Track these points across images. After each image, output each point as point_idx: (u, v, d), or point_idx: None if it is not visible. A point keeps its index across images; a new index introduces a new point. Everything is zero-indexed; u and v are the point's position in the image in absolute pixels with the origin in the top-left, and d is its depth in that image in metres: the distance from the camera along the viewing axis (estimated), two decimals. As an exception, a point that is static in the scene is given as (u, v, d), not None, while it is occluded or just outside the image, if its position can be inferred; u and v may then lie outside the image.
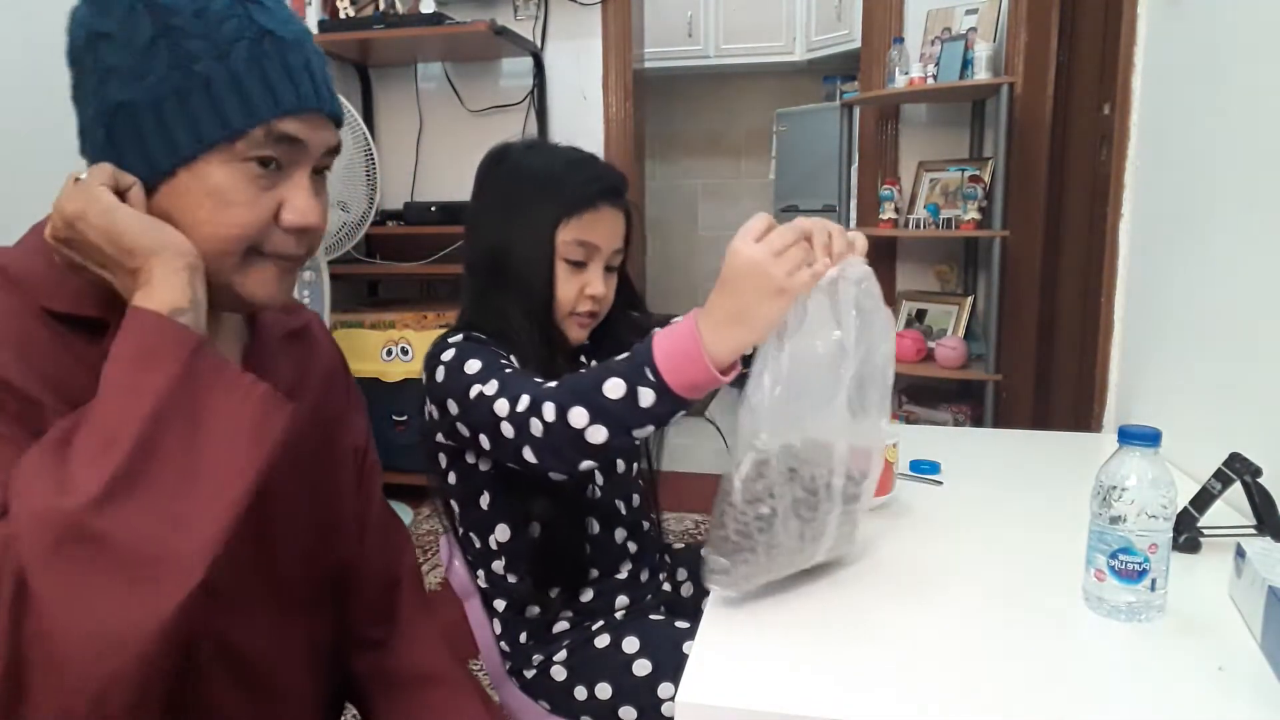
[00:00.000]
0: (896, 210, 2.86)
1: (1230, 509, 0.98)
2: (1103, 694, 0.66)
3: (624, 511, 1.10)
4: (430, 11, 2.77)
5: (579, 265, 1.01)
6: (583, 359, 1.13)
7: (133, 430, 0.54)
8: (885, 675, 0.69)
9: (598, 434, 0.80)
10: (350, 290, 3.20)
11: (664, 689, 0.97)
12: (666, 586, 1.19)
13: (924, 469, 1.20)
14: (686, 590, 1.22)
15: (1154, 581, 0.75)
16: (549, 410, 0.82)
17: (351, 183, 2.46)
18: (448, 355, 0.95)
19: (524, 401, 0.84)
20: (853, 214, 3.12)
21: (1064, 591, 0.82)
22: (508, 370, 0.91)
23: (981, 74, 2.59)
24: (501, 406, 0.86)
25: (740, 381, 1.08)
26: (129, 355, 0.58)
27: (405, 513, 2.74)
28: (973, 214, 2.66)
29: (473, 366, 0.92)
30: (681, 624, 1.05)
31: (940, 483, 1.17)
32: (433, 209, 2.92)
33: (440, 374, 0.95)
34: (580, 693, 1.01)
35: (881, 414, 0.83)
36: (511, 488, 1.02)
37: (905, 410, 3.00)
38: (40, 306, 0.62)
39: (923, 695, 0.66)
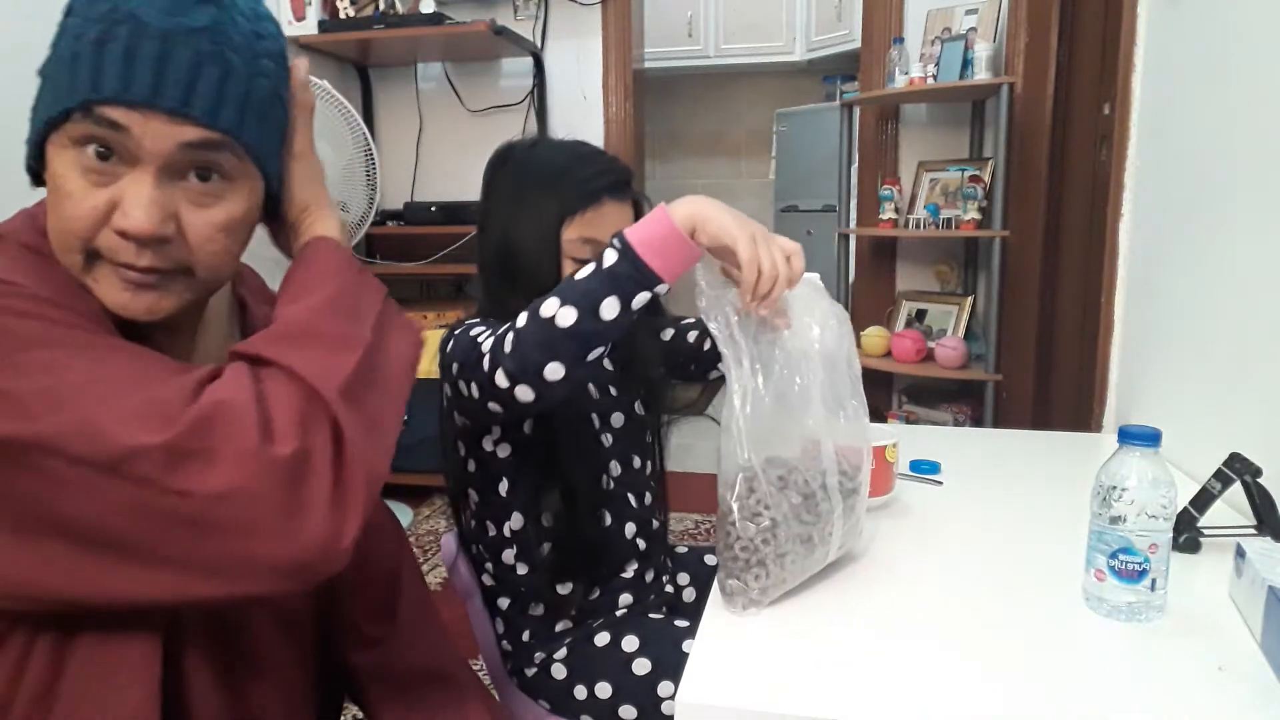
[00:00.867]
0: (896, 210, 2.86)
1: (1230, 509, 0.98)
2: (1103, 694, 0.67)
3: (635, 506, 1.11)
4: (430, 11, 2.77)
5: (581, 263, 1.01)
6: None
7: (364, 339, 0.65)
8: (885, 675, 0.69)
9: (567, 316, 0.81)
10: (350, 290, 3.20)
11: (664, 688, 0.98)
12: (669, 589, 1.19)
13: (924, 469, 1.20)
14: (689, 595, 1.22)
15: (1154, 581, 0.75)
16: (521, 319, 0.84)
17: (351, 183, 2.46)
18: (459, 329, 0.96)
19: (503, 329, 0.86)
20: (853, 214, 3.12)
21: (1064, 591, 0.82)
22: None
23: (981, 74, 2.59)
24: (487, 342, 0.87)
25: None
26: (354, 270, 0.69)
27: (405, 513, 2.74)
28: (973, 214, 2.66)
29: (477, 329, 0.94)
30: (681, 623, 1.05)
31: (940, 483, 1.17)
32: (433, 209, 2.92)
33: (451, 344, 0.96)
34: (580, 692, 1.01)
35: (859, 406, 0.85)
36: (530, 474, 1.03)
37: (905, 410, 3.00)
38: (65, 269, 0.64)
39: (923, 695, 0.66)
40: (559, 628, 1.06)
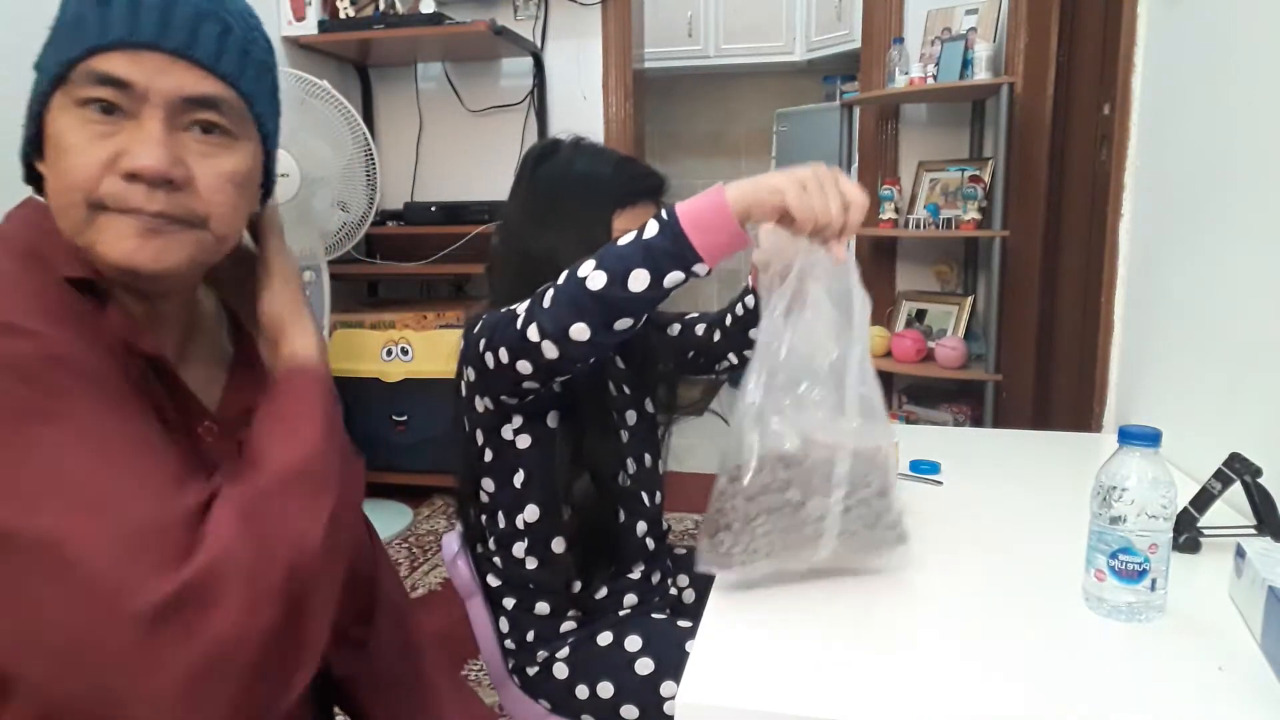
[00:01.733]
0: (896, 210, 2.86)
1: (1230, 509, 0.98)
2: (1103, 694, 0.67)
3: (647, 505, 1.11)
4: (430, 11, 2.77)
5: None
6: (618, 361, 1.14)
7: (334, 484, 0.64)
8: (885, 675, 0.69)
9: (597, 279, 0.81)
10: (350, 290, 3.20)
11: (666, 688, 0.98)
12: (672, 591, 1.20)
13: (924, 469, 1.20)
14: (689, 597, 1.22)
15: (1154, 581, 0.75)
16: (562, 276, 0.84)
17: (351, 183, 2.46)
18: (488, 313, 0.97)
19: (545, 286, 0.87)
20: (853, 214, 3.12)
21: (1064, 591, 0.82)
22: None
23: (981, 74, 2.59)
24: (526, 305, 0.88)
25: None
26: (333, 404, 0.68)
27: (405, 513, 2.74)
28: (973, 214, 2.66)
29: (505, 309, 0.94)
30: (684, 623, 1.05)
31: (940, 483, 1.17)
32: (433, 209, 2.92)
33: (480, 323, 0.96)
34: (582, 691, 1.01)
35: (875, 410, 0.85)
36: (548, 466, 1.03)
37: (905, 410, 3.00)
38: (61, 277, 0.62)
39: (922, 695, 0.67)
40: (563, 627, 1.06)
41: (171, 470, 0.58)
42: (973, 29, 2.67)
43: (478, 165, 3.19)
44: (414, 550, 2.50)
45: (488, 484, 1.07)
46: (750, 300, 1.13)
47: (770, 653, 0.73)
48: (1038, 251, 2.60)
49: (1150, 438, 0.75)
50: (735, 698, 0.67)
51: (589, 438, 1.03)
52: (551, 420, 1.03)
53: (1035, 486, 1.18)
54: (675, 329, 1.21)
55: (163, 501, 0.55)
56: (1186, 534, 0.92)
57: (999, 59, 2.68)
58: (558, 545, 1.05)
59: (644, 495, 1.11)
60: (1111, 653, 0.73)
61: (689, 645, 0.97)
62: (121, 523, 0.53)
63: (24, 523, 0.51)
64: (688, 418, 1.25)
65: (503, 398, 0.99)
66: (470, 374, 1.00)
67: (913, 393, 3.04)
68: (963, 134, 2.95)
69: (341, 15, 2.89)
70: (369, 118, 3.26)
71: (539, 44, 3.09)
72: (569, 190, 1.04)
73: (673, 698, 0.95)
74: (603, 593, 1.07)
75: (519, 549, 1.06)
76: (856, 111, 3.07)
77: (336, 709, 0.88)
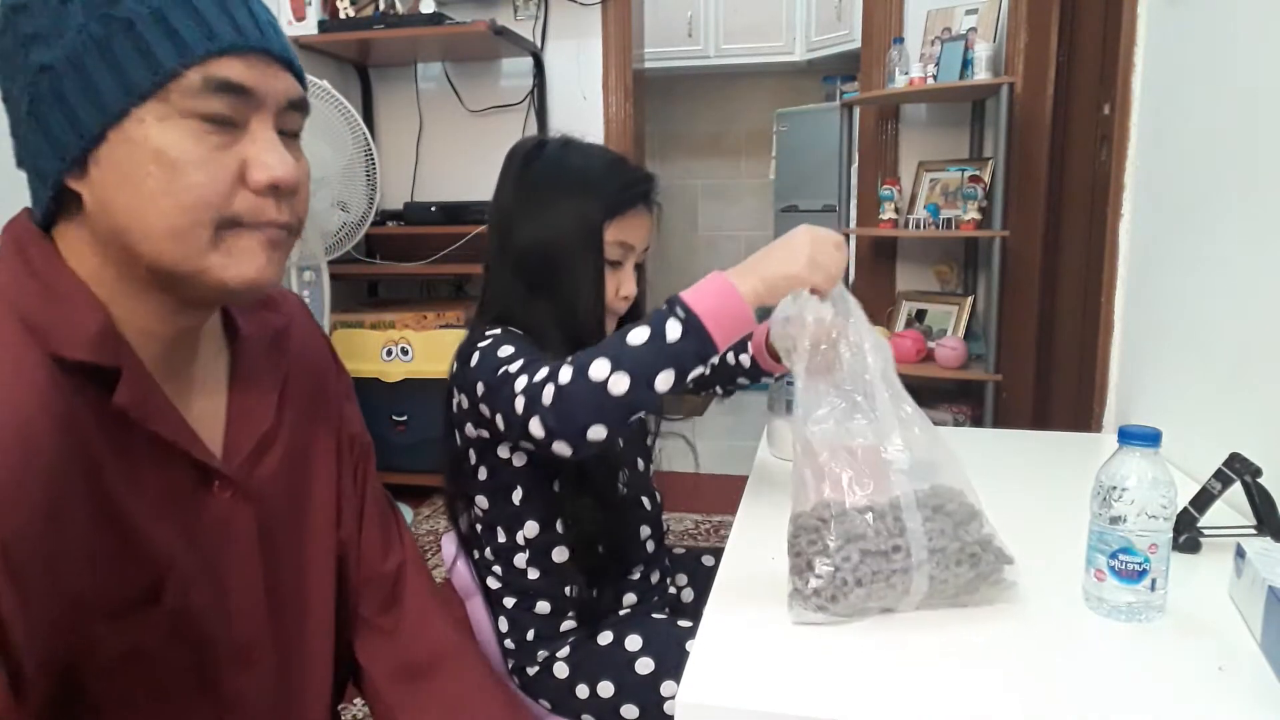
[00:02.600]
0: (896, 210, 2.86)
1: (1230, 509, 0.98)
2: (1103, 694, 0.67)
3: (647, 509, 1.11)
4: (430, 11, 2.77)
5: (615, 265, 1.02)
6: None
7: None
8: (885, 675, 0.69)
9: (620, 383, 0.79)
10: (350, 290, 3.20)
11: (666, 687, 0.98)
12: (671, 590, 1.20)
13: (924, 469, 1.20)
14: (687, 596, 1.22)
15: (1154, 581, 0.75)
16: (565, 374, 0.81)
17: (351, 183, 2.46)
18: (485, 342, 0.95)
19: (541, 373, 0.84)
20: (853, 214, 3.12)
21: (1064, 591, 0.82)
22: (536, 359, 0.91)
23: (981, 74, 2.59)
24: (520, 381, 0.86)
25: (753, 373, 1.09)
26: None
27: (405, 512, 2.74)
28: (973, 214, 2.66)
29: (505, 350, 0.92)
30: (684, 623, 1.05)
31: (940, 483, 1.17)
32: (433, 209, 2.92)
33: (475, 359, 0.94)
34: (582, 691, 1.01)
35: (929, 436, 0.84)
36: (549, 484, 1.03)
37: (905, 410, 3.00)
38: (49, 354, 0.56)
39: (923, 695, 0.66)
40: (563, 627, 1.06)
41: None
42: (973, 29, 2.67)
43: (478, 165, 3.19)
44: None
45: (483, 501, 1.06)
46: (746, 360, 1.16)
47: (770, 653, 0.73)
48: (1038, 251, 2.60)
49: (1150, 438, 0.75)
50: (735, 698, 0.67)
51: (589, 461, 1.01)
52: None
53: (1035, 486, 1.18)
54: None
55: None
56: (1186, 534, 0.92)
57: (999, 59, 2.68)
58: (559, 555, 1.05)
59: (645, 500, 1.11)
60: (1111, 653, 0.73)
61: (689, 645, 0.97)
62: None
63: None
64: (684, 421, 1.25)
65: (501, 436, 0.99)
66: (463, 401, 0.98)
67: (913, 393, 3.01)
68: (963, 134, 2.95)
69: (341, 15, 2.89)
70: (369, 118, 3.26)
71: (539, 44, 3.09)
72: (561, 186, 1.02)
73: (673, 697, 0.95)
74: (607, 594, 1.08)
75: (520, 560, 1.06)
76: (856, 111, 3.07)
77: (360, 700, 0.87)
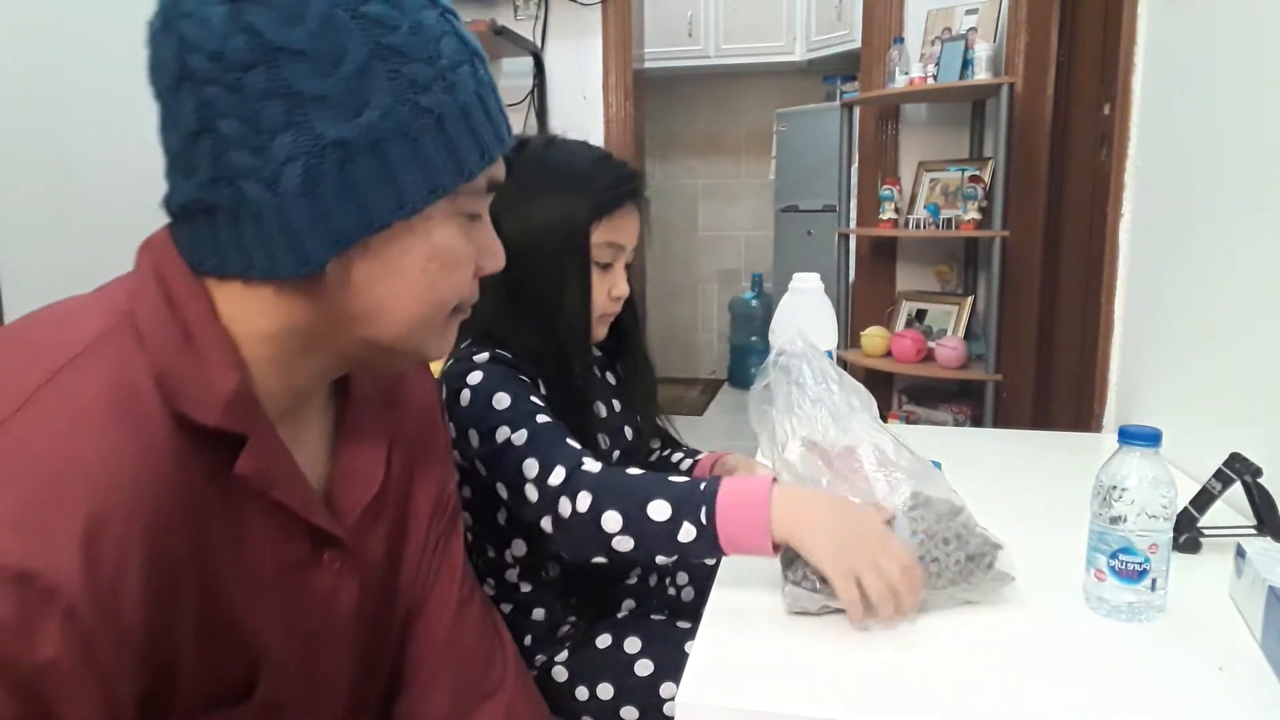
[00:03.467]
0: (896, 210, 2.86)
1: (1230, 509, 0.98)
2: (1103, 694, 0.67)
3: None
4: (430, 12, 2.77)
5: (606, 267, 1.00)
6: (600, 373, 1.13)
7: None
8: (885, 675, 0.69)
9: (624, 544, 0.81)
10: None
11: (666, 689, 0.98)
12: (670, 590, 1.20)
13: (924, 469, 1.20)
14: (687, 595, 1.22)
15: (1154, 581, 0.75)
16: (583, 500, 0.82)
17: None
18: (474, 378, 0.92)
19: (558, 475, 0.83)
20: (853, 214, 3.12)
21: (1064, 591, 0.82)
22: (539, 418, 0.89)
23: (981, 74, 2.59)
24: (530, 467, 0.85)
25: None
26: None
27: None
28: (973, 214, 2.66)
29: (501, 401, 0.90)
30: (683, 624, 1.05)
31: (940, 483, 1.17)
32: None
33: (465, 398, 0.92)
34: (581, 693, 1.01)
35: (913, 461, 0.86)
36: None
37: (905, 410, 3.00)
38: (175, 412, 0.50)
39: (922, 695, 0.66)
40: (560, 631, 1.06)
41: None
42: (973, 29, 2.67)
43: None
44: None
45: (468, 517, 1.04)
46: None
47: (770, 653, 0.73)
48: (1038, 251, 2.60)
49: (1150, 438, 0.75)
50: (735, 698, 0.67)
51: None
52: None
53: (1035, 486, 1.18)
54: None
55: None
56: (1186, 534, 0.92)
57: (999, 59, 2.68)
58: (551, 570, 1.04)
59: None
60: (1111, 653, 0.73)
61: (688, 646, 0.97)
62: None
63: None
64: (682, 417, 1.25)
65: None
66: (451, 429, 0.95)
67: (913, 393, 3.03)
68: (963, 134, 2.95)
69: (341, 15, 2.89)
70: (369, 118, 3.25)
71: (539, 44, 3.09)
72: (544, 186, 0.97)
73: (672, 699, 0.95)
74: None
75: (511, 575, 1.05)
76: (856, 111, 3.07)
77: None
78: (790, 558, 0.79)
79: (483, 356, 0.95)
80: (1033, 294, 2.63)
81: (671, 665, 0.98)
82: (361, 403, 0.68)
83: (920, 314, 2.98)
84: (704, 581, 1.19)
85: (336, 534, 0.62)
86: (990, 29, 2.69)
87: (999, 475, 1.24)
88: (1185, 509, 0.92)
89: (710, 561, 0.84)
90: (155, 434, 0.49)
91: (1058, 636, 0.76)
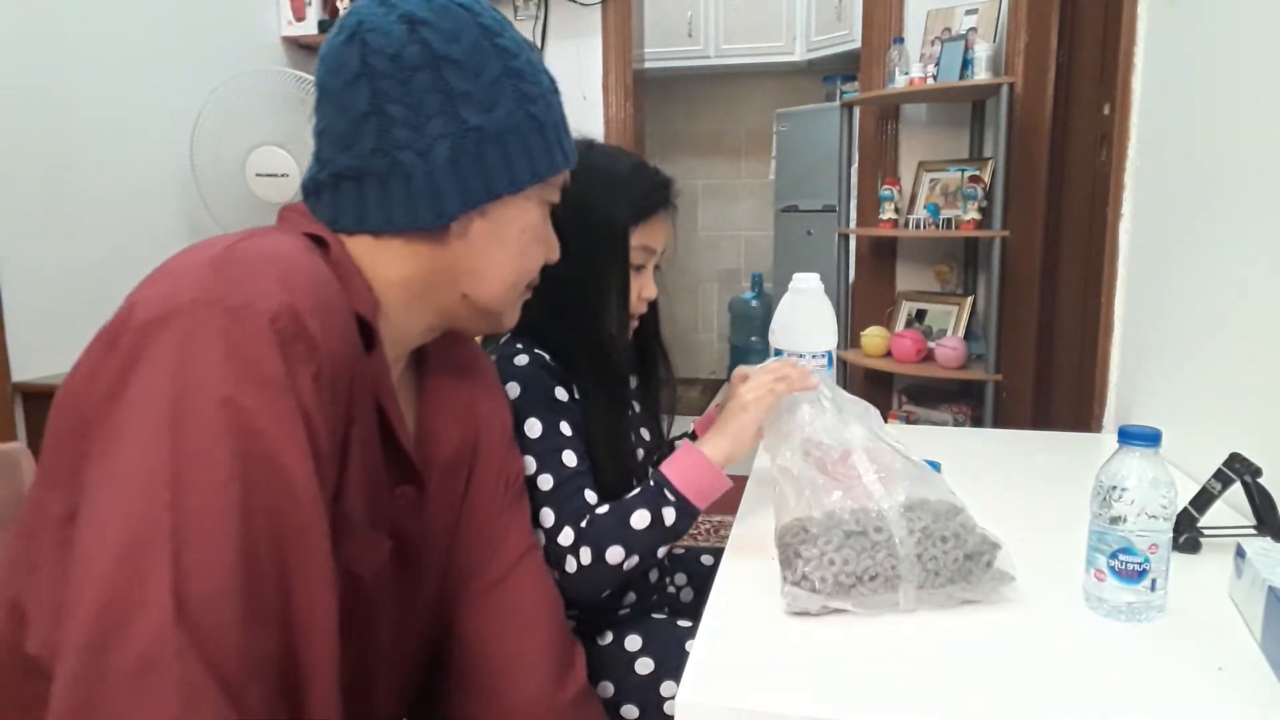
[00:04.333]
0: (896, 210, 2.86)
1: (1230, 509, 0.98)
2: (1103, 694, 0.67)
3: None
4: (430, 11, 2.77)
5: (638, 269, 1.03)
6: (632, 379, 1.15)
7: None
8: (885, 675, 0.69)
9: (630, 563, 0.91)
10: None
11: (666, 687, 0.98)
12: (670, 589, 1.20)
13: (924, 469, 1.20)
14: (686, 595, 1.22)
15: (1154, 581, 0.75)
16: (586, 554, 0.90)
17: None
18: (512, 391, 0.95)
19: (566, 536, 0.91)
20: (853, 214, 3.12)
21: (1064, 591, 0.82)
22: (565, 459, 0.95)
23: (981, 74, 2.59)
24: (546, 516, 0.93)
25: None
26: None
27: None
28: (973, 214, 2.66)
29: (533, 429, 0.94)
30: (684, 623, 1.05)
31: (940, 483, 1.17)
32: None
33: None
34: (581, 692, 1.01)
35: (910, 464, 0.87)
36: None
37: (905, 410, 3.00)
38: (353, 311, 0.65)
39: (923, 695, 0.66)
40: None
41: None
42: (973, 29, 2.67)
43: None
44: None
45: None
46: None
47: (770, 652, 0.73)
48: (1038, 251, 2.60)
49: (1150, 438, 0.75)
50: (735, 697, 0.67)
51: (604, 464, 1.01)
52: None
53: (1035, 486, 1.18)
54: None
55: None
56: (1186, 534, 0.92)
57: (999, 59, 2.69)
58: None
59: None
60: (1111, 653, 0.73)
61: (689, 644, 0.97)
62: None
63: None
64: (679, 417, 1.25)
65: None
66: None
67: (913, 393, 3.04)
68: (963, 134, 2.95)
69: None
70: (369, 118, 3.25)
71: (539, 44, 3.09)
72: (586, 190, 0.96)
73: (673, 697, 0.95)
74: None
75: None
76: (856, 111, 3.07)
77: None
78: (790, 558, 0.80)
79: (522, 360, 0.98)
80: (1033, 294, 2.64)
81: (672, 664, 0.98)
82: (439, 379, 0.82)
83: (920, 314, 2.98)
84: (703, 582, 1.19)
85: (416, 465, 0.73)
86: (990, 29, 2.69)
87: (999, 475, 1.24)
88: (1185, 509, 0.92)
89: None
90: (351, 330, 0.63)
91: (1057, 636, 0.76)
